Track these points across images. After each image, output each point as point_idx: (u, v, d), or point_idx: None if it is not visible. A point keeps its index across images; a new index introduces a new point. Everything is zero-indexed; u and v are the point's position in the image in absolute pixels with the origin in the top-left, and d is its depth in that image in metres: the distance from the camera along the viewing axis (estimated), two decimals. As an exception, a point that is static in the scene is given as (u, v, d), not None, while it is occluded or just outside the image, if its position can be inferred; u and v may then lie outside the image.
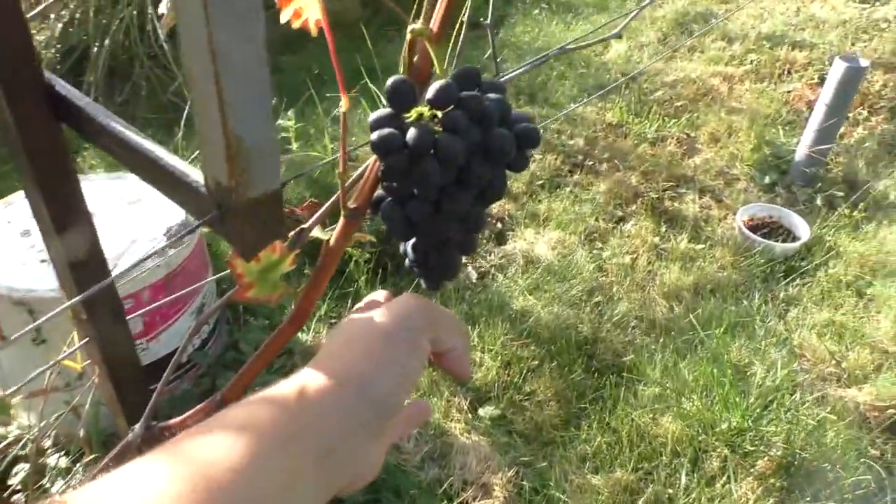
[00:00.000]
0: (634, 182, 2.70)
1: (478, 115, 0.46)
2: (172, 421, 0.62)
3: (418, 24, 0.50)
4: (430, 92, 0.46)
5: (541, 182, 2.68)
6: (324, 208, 0.66)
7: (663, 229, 2.47)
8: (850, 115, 3.17)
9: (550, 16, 4.04)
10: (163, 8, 0.52)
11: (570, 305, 2.08)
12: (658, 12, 4.05)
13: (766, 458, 1.63)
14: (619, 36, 1.10)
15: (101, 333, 0.84)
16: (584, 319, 2.03)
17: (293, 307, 0.59)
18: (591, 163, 2.82)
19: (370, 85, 2.57)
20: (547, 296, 2.10)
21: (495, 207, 2.54)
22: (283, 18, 0.61)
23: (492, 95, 0.49)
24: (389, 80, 0.48)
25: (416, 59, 0.53)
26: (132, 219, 1.65)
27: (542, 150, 2.86)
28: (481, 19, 2.19)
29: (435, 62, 0.49)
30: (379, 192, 0.52)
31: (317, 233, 0.66)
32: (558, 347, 1.92)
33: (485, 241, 2.38)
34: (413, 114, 0.47)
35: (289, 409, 0.37)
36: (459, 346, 0.47)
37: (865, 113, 3.22)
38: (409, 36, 0.51)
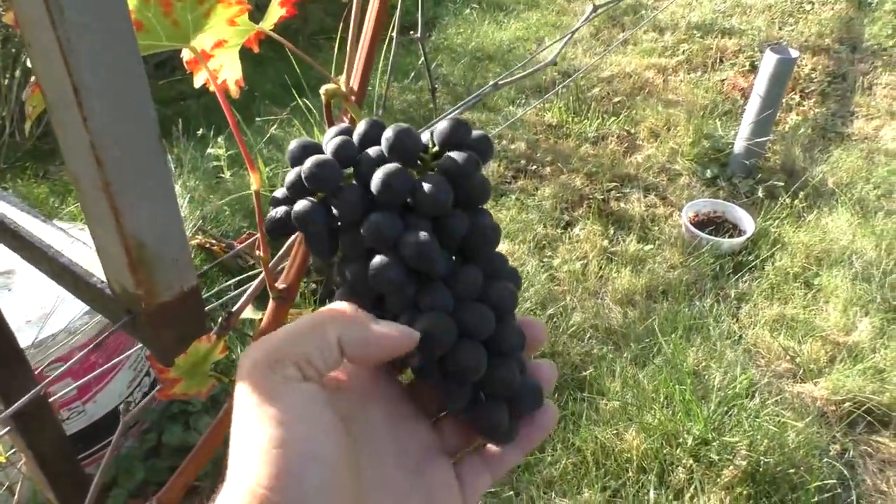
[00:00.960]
0: (579, 184, 2.69)
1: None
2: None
3: (333, 84, 0.45)
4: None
5: (485, 190, 2.64)
6: (252, 288, 0.60)
7: (611, 231, 2.47)
8: (783, 100, 3.23)
9: (482, 15, 4.01)
10: (25, 95, 0.45)
11: (525, 320, 2.05)
12: (588, 5, 4.05)
13: (731, 467, 1.63)
14: (554, 63, 1.07)
15: (24, 424, 0.79)
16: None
17: (229, 397, 0.53)
18: (534, 167, 2.80)
19: (300, 101, 2.49)
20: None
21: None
22: (198, 83, 0.56)
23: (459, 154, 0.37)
24: (295, 147, 0.39)
25: (336, 119, 0.48)
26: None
27: (484, 156, 2.82)
28: (411, 32, 2.14)
29: (356, 120, 0.44)
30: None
31: (248, 314, 0.61)
32: (516, 367, 1.89)
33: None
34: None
35: None
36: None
37: (797, 98, 3.28)
38: (323, 98, 0.45)
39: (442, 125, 0.36)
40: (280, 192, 0.38)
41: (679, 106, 3.13)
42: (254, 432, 0.28)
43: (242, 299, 0.58)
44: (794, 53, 2.46)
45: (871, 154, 2.88)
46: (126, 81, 0.36)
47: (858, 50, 3.62)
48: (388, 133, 0.35)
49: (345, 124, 0.40)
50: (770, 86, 2.49)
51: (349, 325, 0.32)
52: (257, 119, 2.86)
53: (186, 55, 0.52)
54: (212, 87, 0.55)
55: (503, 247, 2.35)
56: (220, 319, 0.55)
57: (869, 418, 1.84)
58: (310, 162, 0.35)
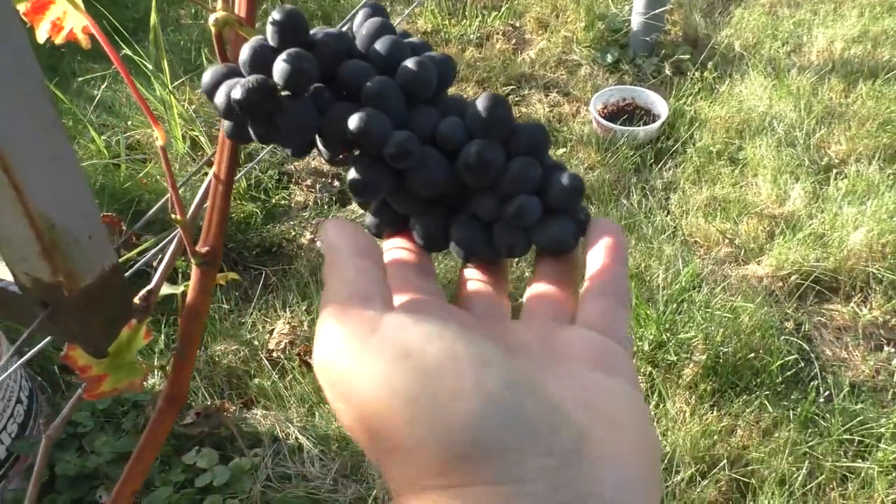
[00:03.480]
0: (471, 94, 2.74)
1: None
2: None
3: (220, 12, 0.45)
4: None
5: (368, 120, 2.66)
6: (169, 256, 0.62)
7: (517, 141, 2.54)
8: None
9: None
10: None
11: (444, 254, 2.12)
12: None
13: (690, 366, 1.77)
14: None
15: None
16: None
17: (166, 384, 0.55)
18: (417, 83, 2.82)
19: (134, 51, 2.40)
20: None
21: (325, 163, 2.50)
22: (41, 37, 0.56)
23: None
24: (210, 75, 0.39)
25: (229, 51, 0.48)
26: None
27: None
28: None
29: None
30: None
31: (167, 289, 0.62)
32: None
33: (325, 206, 2.35)
34: None
35: None
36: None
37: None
38: (213, 28, 0.46)
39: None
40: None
41: (563, -12, 3.21)
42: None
43: (157, 275, 0.59)
44: None
45: (774, 8, 3.07)
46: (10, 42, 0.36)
47: None
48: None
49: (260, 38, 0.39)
50: (659, -51, 2.59)
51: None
52: (78, 79, 2.74)
53: (22, 6, 0.52)
54: (57, 39, 0.56)
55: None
56: (136, 302, 0.56)
57: (818, 287, 2.03)
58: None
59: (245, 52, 0.38)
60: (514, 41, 3.01)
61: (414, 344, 0.27)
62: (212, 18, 0.43)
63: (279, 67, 0.36)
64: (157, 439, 0.56)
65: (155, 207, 0.76)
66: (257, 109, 0.36)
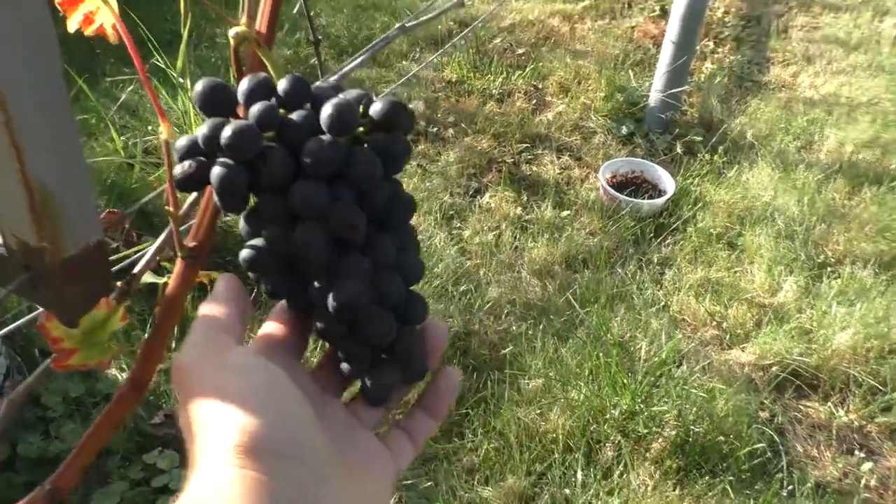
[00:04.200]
0: (486, 147, 2.79)
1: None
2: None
3: (241, 27, 0.47)
4: (281, 88, 0.44)
5: (381, 157, 2.70)
6: (155, 245, 0.64)
7: (524, 198, 2.59)
8: (698, 48, 3.45)
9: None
10: None
11: (437, 298, 2.14)
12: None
13: (659, 440, 1.78)
14: (462, 5, 1.15)
15: None
16: (453, 313, 2.10)
17: (132, 369, 0.57)
18: (435, 129, 2.88)
19: (165, 63, 2.47)
20: (407, 291, 2.15)
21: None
22: (72, 27, 0.59)
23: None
24: (200, 86, 0.44)
25: (245, 67, 0.51)
26: None
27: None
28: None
29: (271, 70, 0.47)
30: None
31: (149, 278, 0.64)
32: (428, 350, 1.97)
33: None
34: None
35: None
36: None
37: (711, 45, 3.50)
38: (231, 42, 0.48)
39: (382, 106, 0.43)
40: (186, 143, 0.44)
41: (588, 57, 3.28)
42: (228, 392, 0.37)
43: (143, 261, 0.61)
44: (708, -4, 2.64)
45: (790, 103, 3.13)
46: (29, 13, 0.39)
47: (773, -9, 3.89)
48: (328, 110, 0.41)
49: (262, 75, 0.44)
50: (683, 30, 2.66)
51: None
52: (108, 79, 2.81)
53: None
54: (87, 31, 0.59)
55: (406, 219, 2.42)
56: (119, 284, 0.59)
57: (797, 382, 2.04)
58: (231, 130, 0.40)
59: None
60: (534, 101, 3.07)
61: (247, 369, 0.38)
62: (232, 32, 0.45)
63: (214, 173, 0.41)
64: (114, 419, 0.57)
65: (150, 195, 0.78)
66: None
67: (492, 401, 1.88)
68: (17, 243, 0.48)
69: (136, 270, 0.59)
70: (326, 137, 0.41)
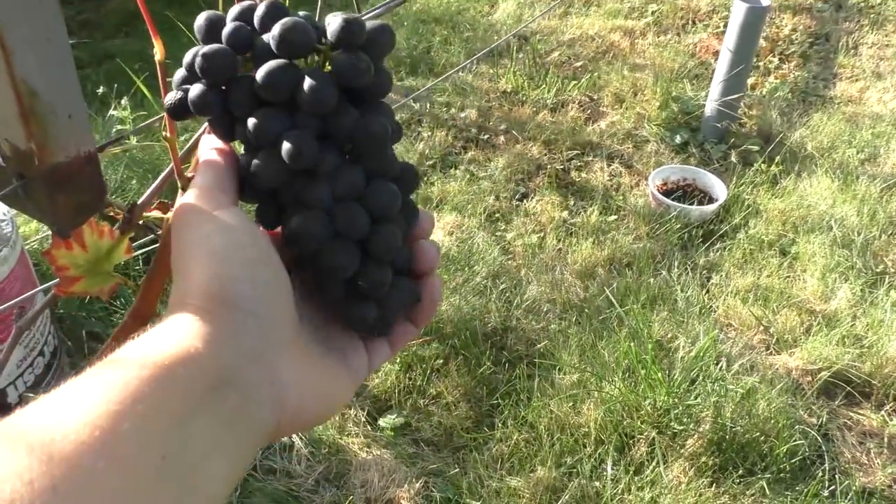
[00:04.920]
0: (536, 154, 2.80)
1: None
2: None
3: None
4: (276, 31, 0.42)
5: (431, 162, 2.74)
6: (160, 179, 0.66)
7: (571, 202, 2.57)
8: (761, 63, 3.39)
9: (428, -25, 4.12)
10: None
11: (475, 295, 2.14)
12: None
13: (695, 436, 1.73)
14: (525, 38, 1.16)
15: None
16: (490, 309, 2.10)
17: (136, 299, 0.59)
18: (486, 136, 2.90)
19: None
20: (448, 287, 2.15)
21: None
22: None
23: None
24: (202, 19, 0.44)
25: None
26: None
27: (430, 126, 2.92)
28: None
29: None
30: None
31: (155, 212, 0.66)
32: (464, 342, 1.97)
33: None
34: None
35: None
36: None
37: (776, 60, 3.44)
38: None
39: (334, 23, 0.41)
40: (180, 74, 0.45)
41: (646, 70, 3.26)
42: (202, 240, 0.40)
43: (148, 192, 0.63)
44: (766, 2, 2.60)
45: (855, 117, 3.04)
46: None
47: (844, 8, 3.81)
48: (275, 30, 0.40)
49: (249, 2, 0.45)
50: (740, 39, 2.63)
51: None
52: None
53: None
54: None
55: (450, 218, 2.44)
56: (123, 214, 0.60)
57: (849, 388, 1.97)
58: (202, 51, 0.41)
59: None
60: (588, 111, 3.06)
61: (235, 229, 0.40)
62: None
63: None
64: (115, 349, 0.60)
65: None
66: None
67: (524, 393, 1.86)
68: (10, 148, 0.49)
69: (139, 201, 0.61)
70: (277, 63, 0.40)
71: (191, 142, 0.62)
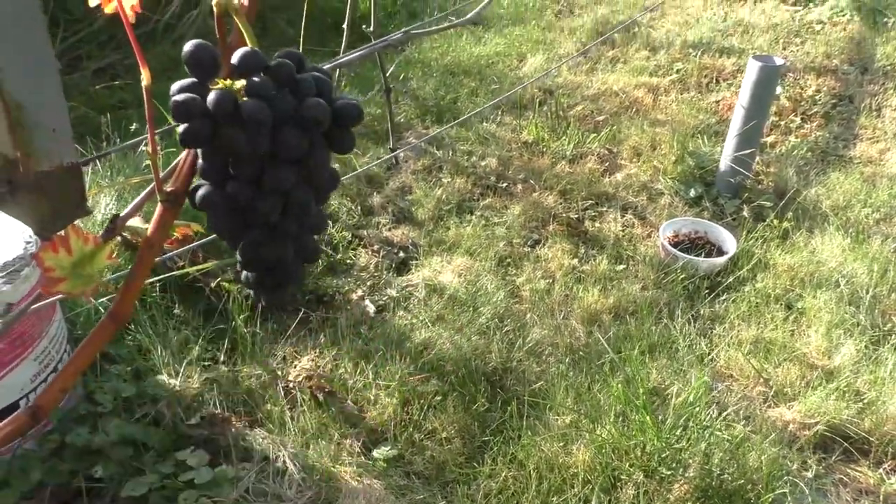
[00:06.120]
0: (551, 202, 2.85)
1: (289, 83, 0.52)
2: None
3: None
4: (235, 58, 0.52)
5: (448, 207, 2.81)
6: (144, 193, 0.73)
7: (582, 251, 2.62)
8: (783, 122, 3.43)
9: (461, 30, 4.24)
10: None
11: (478, 335, 2.19)
12: (576, 22, 4.30)
13: (682, 482, 1.74)
14: (475, 23, 1.24)
15: None
16: (492, 349, 2.14)
17: (114, 302, 0.66)
18: (504, 184, 2.96)
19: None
20: (452, 326, 2.20)
21: (397, 234, 2.65)
22: (93, 2, 0.69)
23: (314, 74, 0.54)
24: (186, 47, 0.53)
25: (230, 36, 0.60)
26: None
27: (451, 172, 3.00)
28: (364, 27, 2.30)
29: (246, 37, 0.54)
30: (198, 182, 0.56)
31: (136, 222, 0.73)
32: (461, 380, 2.01)
33: (385, 272, 2.47)
34: (219, 83, 0.52)
35: None
36: None
37: (798, 120, 3.48)
38: (215, 10, 0.57)
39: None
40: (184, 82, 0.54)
41: (667, 125, 3.32)
42: None
43: (132, 205, 0.70)
44: (780, 61, 2.65)
45: (873, 177, 3.05)
46: None
47: (869, 71, 3.84)
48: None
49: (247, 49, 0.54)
50: (753, 96, 2.67)
51: None
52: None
53: None
54: (107, 9, 0.69)
55: (461, 261, 2.50)
56: (106, 223, 0.67)
57: (846, 444, 1.96)
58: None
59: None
60: (606, 164, 3.12)
61: None
62: (214, 1, 0.53)
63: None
64: (94, 346, 0.63)
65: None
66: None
67: (516, 431, 1.89)
68: (0, 157, 0.54)
69: (122, 213, 0.68)
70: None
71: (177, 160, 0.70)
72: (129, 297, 0.62)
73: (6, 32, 0.49)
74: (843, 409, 2.00)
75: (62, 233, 0.60)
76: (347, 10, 2.32)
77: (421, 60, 3.90)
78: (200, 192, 0.56)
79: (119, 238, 0.67)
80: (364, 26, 2.32)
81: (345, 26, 2.29)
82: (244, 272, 0.61)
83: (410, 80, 3.66)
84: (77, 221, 0.60)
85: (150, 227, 0.61)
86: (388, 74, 2.72)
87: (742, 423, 1.94)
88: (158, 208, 0.59)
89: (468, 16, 1.21)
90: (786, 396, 2.07)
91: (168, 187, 0.58)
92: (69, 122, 0.59)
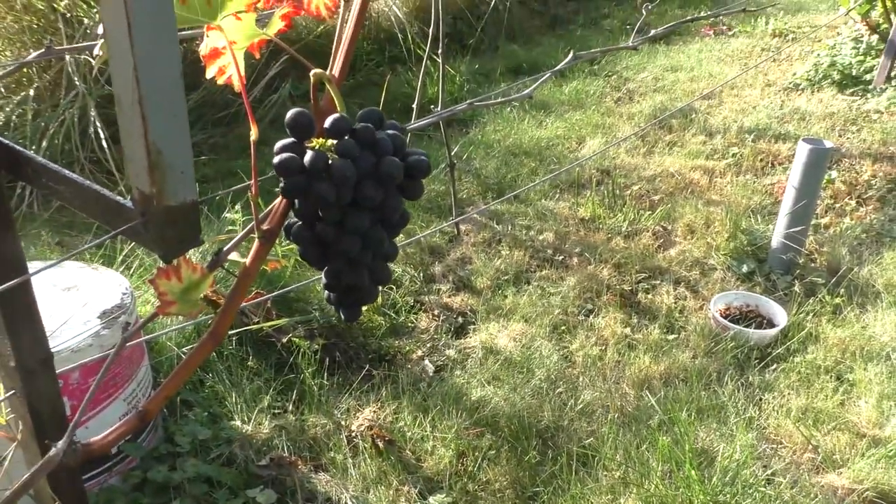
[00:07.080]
0: (606, 275, 2.96)
1: (370, 144, 0.64)
2: (95, 439, 0.75)
3: (319, 70, 0.72)
4: (327, 123, 0.65)
5: (506, 277, 2.94)
6: (242, 233, 0.88)
7: (634, 320, 2.71)
8: (838, 205, 3.51)
9: (522, 114, 4.45)
10: (97, 50, 0.77)
11: (532, 395, 2.29)
12: (635, 108, 4.47)
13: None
14: (530, 97, 1.40)
15: (28, 384, 0.97)
16: (545, 408, 2.23)
17: (214, 322, 0.79)
18: (560, 257, 3.09)
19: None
20: (507, 386, 2.31)
21: (457, 301, 2.79)
22: (209, 74, 0.85)
23: (389, 132, 0.67)
24: (289, 113, 0.66)
25: (321, 101, 0.72)
26: (65, 304, 1.88)
27: (510, 245, 3.14)
28: (432, 106, 2.52)
29: (336, 102, 0.69)
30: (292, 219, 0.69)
31: (234, 257, 0.87)
32: (514, 434, 2.11)
33: (444, 335, 2.61)
34: (314, 143, 0.65)
35: None
36: None
37: (853, 203, 3.54)
38: (312, 79, 0.72)
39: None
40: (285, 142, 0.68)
41: (721, 205, 3.42)
42: None
43: (231, 242, 0.82)
44: (829, 144, 2.76)
45: (927, 256, 3.09)
46: (162, 24, 0.62)
47: (926, 157, 3.89)
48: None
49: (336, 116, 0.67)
50: (804, 177, 2.77)
51: None
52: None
53: (204, 49, 0.77)
54: (220, 80, 0.85)
55: (517, 326, 2.62)
56: (209, 257, 0.80)
57: (896, 512, 1.98)
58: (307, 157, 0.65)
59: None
60: (661, 240, 3.23)
61: None
62: (312, 72, 0.68)
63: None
64: (195, 362, 0.75)
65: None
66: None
67: (566, 484, 1.97)
68: (138, 193, 0.66)
69: (224, 248, 0.83)
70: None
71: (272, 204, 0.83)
72: (227, 319, 0.73)
73: (160, 96, 0.62)
74: (894, 476, 2.03)
75: (175, 262, 0.72)
76: (417, 94, 2.55)
77: (484, 142, 4.10)
78: (294, 229, 0.69)
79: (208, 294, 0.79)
80: (432, 106, 2.52)
81: (414, 106, 2.50)
82: (327, 292, 0.74)
83: (473, 160, 3.85)
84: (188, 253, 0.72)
85: (247, 259, 0.72)
86: (452, 153, 2.91)
87: (789, 487, 1.98)
88: (255, 243, 0.71)
89: (525, 91, 1.36)
90: (834, 463, 2.11)
91: (264, 226, 0.71)
92: (192, 165, 0.70)
